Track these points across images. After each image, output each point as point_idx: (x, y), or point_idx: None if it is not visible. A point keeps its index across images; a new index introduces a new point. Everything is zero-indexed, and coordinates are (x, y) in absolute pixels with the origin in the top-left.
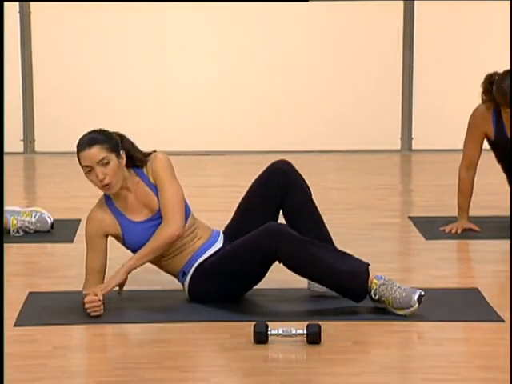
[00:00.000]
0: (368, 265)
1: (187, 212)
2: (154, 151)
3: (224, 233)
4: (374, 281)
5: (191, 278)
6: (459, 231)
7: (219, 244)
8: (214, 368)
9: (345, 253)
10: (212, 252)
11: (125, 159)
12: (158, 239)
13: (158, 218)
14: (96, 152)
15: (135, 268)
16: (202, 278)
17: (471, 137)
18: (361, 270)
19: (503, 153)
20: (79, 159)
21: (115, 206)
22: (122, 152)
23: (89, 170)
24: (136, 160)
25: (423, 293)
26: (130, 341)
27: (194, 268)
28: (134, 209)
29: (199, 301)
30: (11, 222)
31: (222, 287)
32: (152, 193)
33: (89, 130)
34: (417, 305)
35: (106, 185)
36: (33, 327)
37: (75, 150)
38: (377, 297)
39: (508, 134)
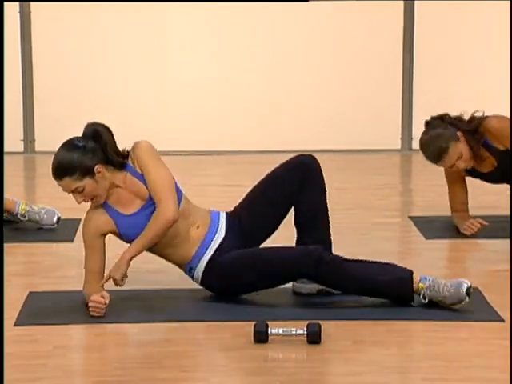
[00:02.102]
0: (411, 272)
1: (179, 195)
2: None
3: (231, 214)
4: (420, 284)
5: (204, 274)
6: (477, 228)
7: (222, 231)
8: (214, 368)
9: (385, 263)
10: (217, 244)
11: (102, 170)
12: (153, 227)
13: (150, 205)
14: (67, 184)
15: (135, 256)
16: (217, 274)
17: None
18: (404, 276)
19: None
20: None
21: (108, 203)
22: (96, 167)
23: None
24: (115, 164)
25: (470, 283)
26: (130, 341)
27: (204, 264)
28: (127, 202)
29: (211, 289)
30: (20, 206)
31: (243, 287)
32: (140, 182)
33: (60, 146)
34: (467, 298)
35: (90, 201)
36: (33, 327)
37: None
38: (427, 300)
39: (480, 169)
